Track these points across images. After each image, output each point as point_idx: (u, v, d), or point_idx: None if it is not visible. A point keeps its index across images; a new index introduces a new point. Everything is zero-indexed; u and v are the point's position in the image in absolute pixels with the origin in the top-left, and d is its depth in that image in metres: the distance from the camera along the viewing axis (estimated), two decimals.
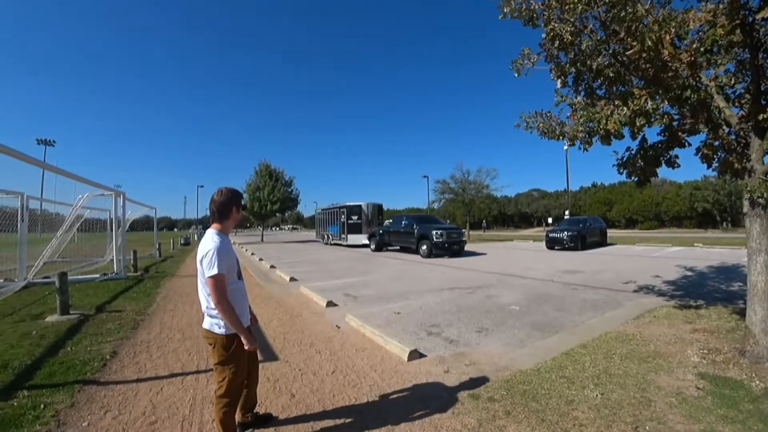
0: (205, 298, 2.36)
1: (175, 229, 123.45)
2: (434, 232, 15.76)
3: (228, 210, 2.43)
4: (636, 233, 37.17)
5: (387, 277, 10.54)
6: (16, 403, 3.21)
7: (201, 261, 2.24)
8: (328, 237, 28.33)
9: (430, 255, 15.70)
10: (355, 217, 24.65)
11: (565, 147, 5.38)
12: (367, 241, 22.26)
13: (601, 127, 4.56)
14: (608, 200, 44.50)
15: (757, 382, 3.43)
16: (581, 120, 4.59)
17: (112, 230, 11.46)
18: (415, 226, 17.38)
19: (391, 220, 20.38)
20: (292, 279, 10.14)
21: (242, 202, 2.63)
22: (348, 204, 25.36)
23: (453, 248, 16.03)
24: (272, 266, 13.52)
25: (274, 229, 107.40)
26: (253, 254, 19.71)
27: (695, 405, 3.06)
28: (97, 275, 10.61)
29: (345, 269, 12.67)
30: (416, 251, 16.96)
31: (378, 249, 20.06)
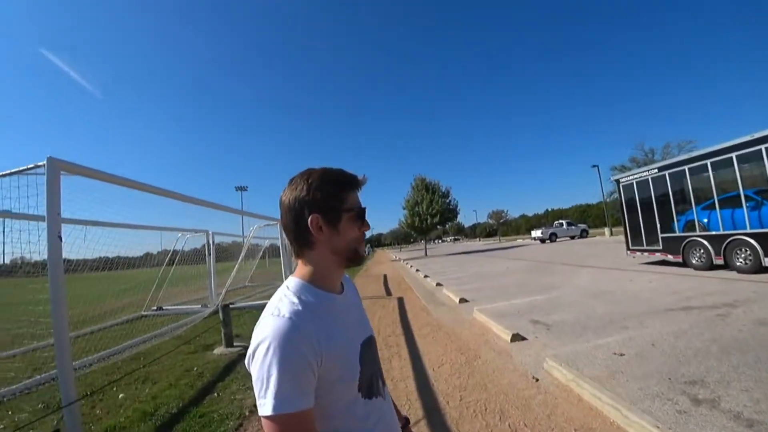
0: None
1: None
2: None
3: (298, 226, 1.00)
4: None
5: (579, 291, 8.39)
6: None
7: (248, 365, 0.92)
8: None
9: None
10: None
11: None
12: None
13: None
14: None
15: None
16: None
17: (284, 256, 12.22)
18: None
19: None
20: (462, 300, 8.86)
21: (345, 196, 1.01)
22: None
23: None
24: (438, 284, 12.50)
25: (436, 241, 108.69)
26: (417, 270, 19.18)
27: None
28: None
29: (519, 283, 10.82)
30: None
31: None
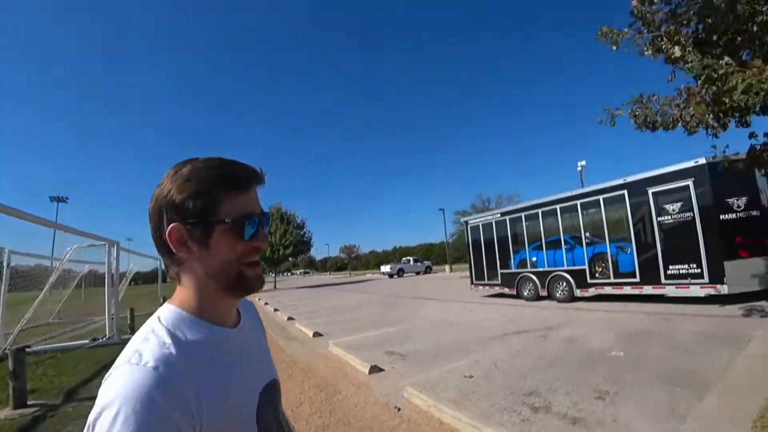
0: None
1: None
2: None
3: (159, 238, 0.70)
4: None
5: (427, 322, 8.95)
6: None
7: None
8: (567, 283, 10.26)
9: None
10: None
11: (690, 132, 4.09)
12: None
13: None
14: None
15: None
16: (743, 85, 3.25)
17: (109, 286, 10.10)
18: None
19: None
20: (316, 334, 8.57)
21: (221, 198, 0.69)
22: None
23: None
24: (290, 318, 11.95)
25: (285, 274, 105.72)
26: (266, 304, 18.13)
27: None
28: (86, 341, 8.94)
29: (371, 316, 11.08)
30: None
31: None
